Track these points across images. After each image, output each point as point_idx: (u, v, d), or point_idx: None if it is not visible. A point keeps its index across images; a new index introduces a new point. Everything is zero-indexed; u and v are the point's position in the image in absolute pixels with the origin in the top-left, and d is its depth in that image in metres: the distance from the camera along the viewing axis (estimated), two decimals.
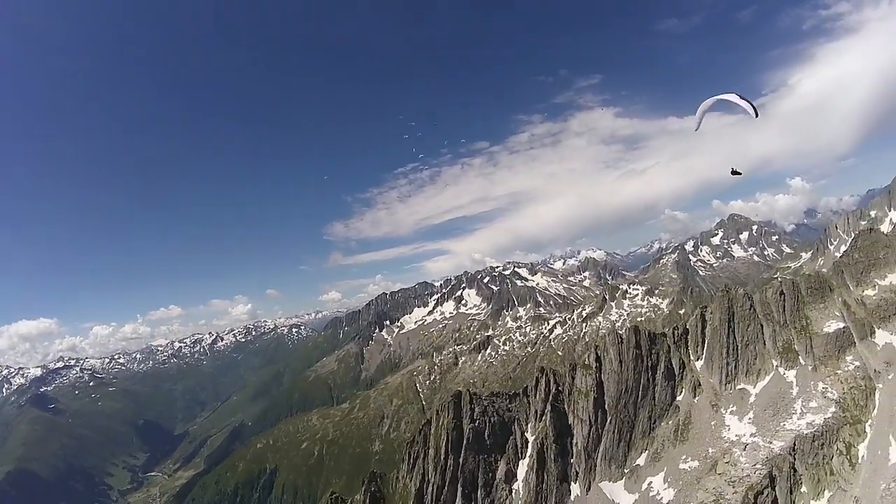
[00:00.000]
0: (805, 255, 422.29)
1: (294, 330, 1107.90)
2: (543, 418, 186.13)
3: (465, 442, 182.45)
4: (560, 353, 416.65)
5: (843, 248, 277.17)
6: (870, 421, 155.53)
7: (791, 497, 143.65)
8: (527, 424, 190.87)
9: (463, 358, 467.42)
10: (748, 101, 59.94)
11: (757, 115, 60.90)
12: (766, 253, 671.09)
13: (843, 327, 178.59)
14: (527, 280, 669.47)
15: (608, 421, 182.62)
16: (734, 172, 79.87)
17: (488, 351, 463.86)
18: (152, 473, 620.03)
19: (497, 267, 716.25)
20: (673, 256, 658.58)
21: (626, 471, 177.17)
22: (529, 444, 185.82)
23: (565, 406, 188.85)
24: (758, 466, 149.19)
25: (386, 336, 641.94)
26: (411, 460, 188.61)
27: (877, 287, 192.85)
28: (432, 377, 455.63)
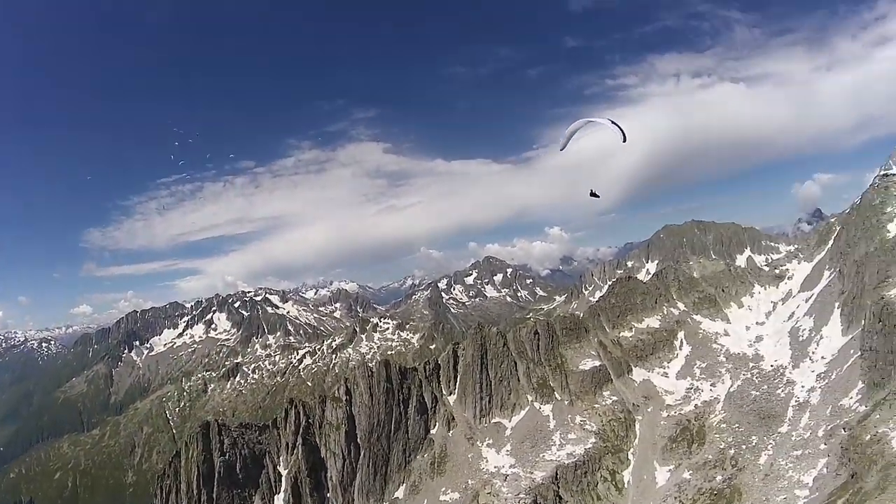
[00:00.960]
0: (559, 299, 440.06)
1: (44, 344, 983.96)
2: (295, 451, 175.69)
3: (216, 476, 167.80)
4: (310, 384, 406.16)
5: (598, 294, 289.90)
6: (632, 449, 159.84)
7: None
8: (279, 457, 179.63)
9: (212, 385, 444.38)
10: (618, 126, 59.72)
11: (625, 140, 60.18)
12: (519, 294, 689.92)
13: (600, 365, 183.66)
14: (278, 307, 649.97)
15: (362, 454, 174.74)
16: (593, 194, 75.97)
17: (238, 379, 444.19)
18: None
19: (249, 292, 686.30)
20: (426, 293, 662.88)
21: None
22: (283, 478, 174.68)
23: (317, 439, 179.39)
24: (521, 496, 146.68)
25: (135, 357, 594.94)
26: (164, 495, 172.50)
27: (633, 329, 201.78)
28: (182, 404, 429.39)
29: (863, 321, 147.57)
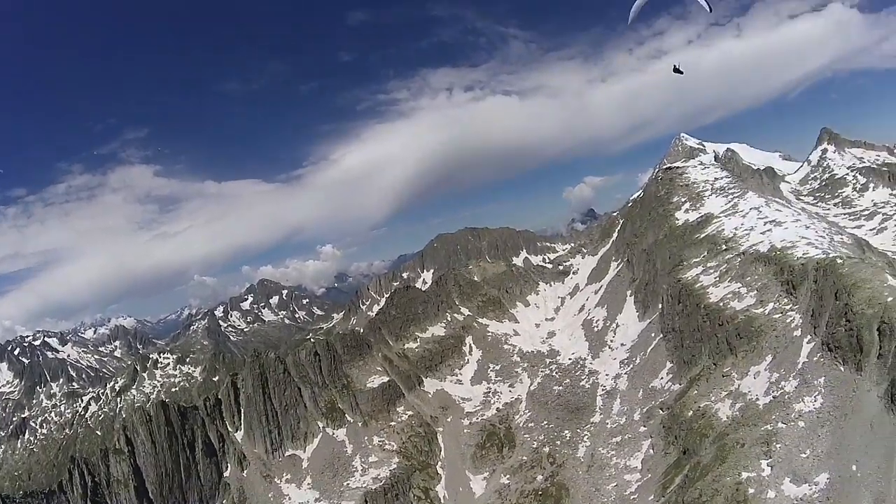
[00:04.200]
0: (337, 316, 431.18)
1: None
2: None
3: None
4: (99, 433, 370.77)
5: (376, 308, 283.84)
6: (440, 463, 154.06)
7: None
8: None
9: (3, 446, 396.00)
10: None
11: (711, 10, 59.47)
12: (297, 316, 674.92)
13: (388, 381, 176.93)
14: (58, 351, 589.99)
15: None
16: (676, 70, 74.15)
17: (27, 436, 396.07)
18: None
19: (27, 336, 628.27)
20: (203, 322, 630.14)
21: None
22: None
23: (107, 500, 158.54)
24: None
25: None
26: None
27: (418, 339, 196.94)
28: None
29: (660, 305, 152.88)
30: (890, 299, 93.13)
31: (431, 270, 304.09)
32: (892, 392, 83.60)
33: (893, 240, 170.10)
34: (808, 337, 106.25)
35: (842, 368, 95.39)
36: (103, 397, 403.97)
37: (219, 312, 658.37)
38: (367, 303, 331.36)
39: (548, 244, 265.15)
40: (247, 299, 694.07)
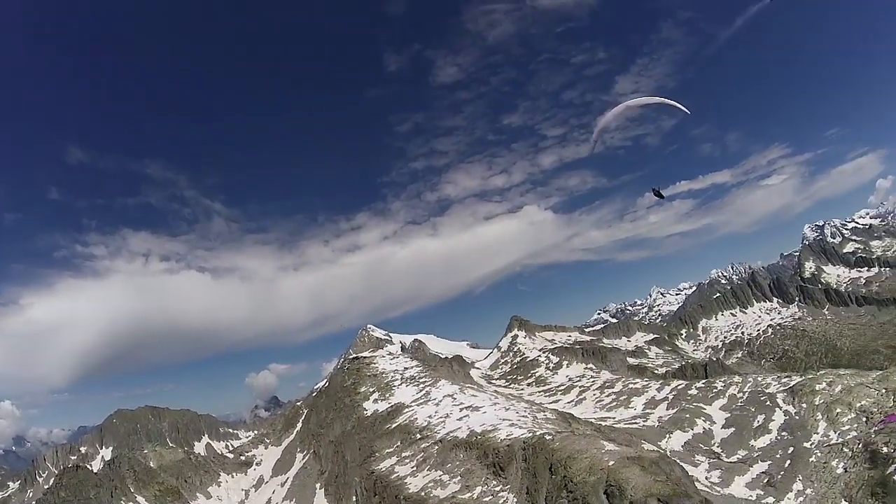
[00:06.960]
0: (13, 485, 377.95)
1: None
2: None
3: None
4: None
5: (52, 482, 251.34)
6: None
7: None
8: None
9: None
10: (676, 104, 56.86)
11: (690, 113, 58.28)
12: None
13: None
14: None
15: None
16: (657, 194, 67.34)
17: None
18: None
19: None
20: None
21: None
22: None
23: None
24: None
25: None
26: None
27: None
28: None
29: (353, 497, 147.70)
30: (611, 463, 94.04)
31: (111, 447, 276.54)
32: None
33: (594, 408, 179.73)
34: None
35: None
36: None
37: None
38: (45, 475, 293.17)
39: (231, 430, 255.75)
40: None
